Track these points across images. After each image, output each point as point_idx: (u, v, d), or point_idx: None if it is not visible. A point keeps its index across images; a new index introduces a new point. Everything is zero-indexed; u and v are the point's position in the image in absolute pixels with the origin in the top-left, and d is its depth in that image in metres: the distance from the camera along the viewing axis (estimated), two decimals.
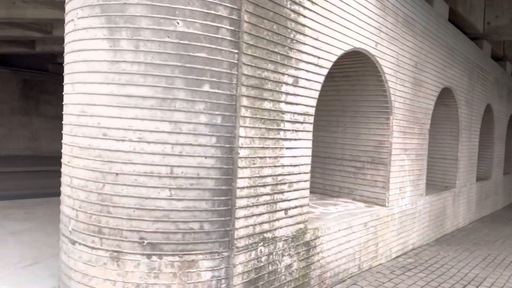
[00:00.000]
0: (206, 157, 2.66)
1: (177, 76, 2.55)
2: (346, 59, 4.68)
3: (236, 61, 2.74)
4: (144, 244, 2.57)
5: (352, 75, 4.94)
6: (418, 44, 5.45)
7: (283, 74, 3.15)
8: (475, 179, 8.39)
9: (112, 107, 2.56)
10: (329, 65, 3.70)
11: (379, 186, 5.06)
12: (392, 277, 4.44)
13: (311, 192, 5.72)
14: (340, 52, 3.84)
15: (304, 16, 3.32)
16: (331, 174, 5.54)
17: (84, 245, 2.69)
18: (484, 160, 9.97)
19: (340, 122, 5.43)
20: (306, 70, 3.41)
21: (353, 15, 3.97)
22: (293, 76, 3.27)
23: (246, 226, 2.92)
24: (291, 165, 3.30)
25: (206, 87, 2.63)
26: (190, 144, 2.60)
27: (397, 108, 5.05)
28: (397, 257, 5.26)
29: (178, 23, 2.55)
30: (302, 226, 3.52)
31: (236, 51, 2.74)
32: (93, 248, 2.65)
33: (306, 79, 3.42)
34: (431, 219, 6.33)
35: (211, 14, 2.62)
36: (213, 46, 2.63)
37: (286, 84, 3.20)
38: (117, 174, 2.57)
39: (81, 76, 2.69)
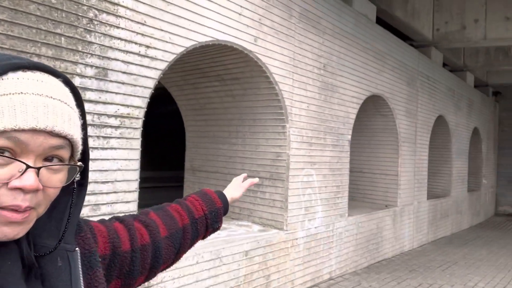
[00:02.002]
0: None
1: None
2: (227, 57, 4.02)
3: None
4: None
5: (241, 77, 4.28)
6: (327, 45, 4.82)
7: (75, 63, 2.46)
8: (425, 197, 7.66)
9: None
10: (170, 57, 3.02)
11: (277, 206, 4.32)
12: None
13: None
14: (189, 43, 3.17)
15: None
16: None
17: None
18: (442, 176, 9.28)
19: (239, 132, 4.73)
20: (124, 61, 2.72)
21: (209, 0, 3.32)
22: (97, 67, 2.57)
23: None
24: (95, 182, 2.56)
25: None
26: None
27: (296, 115, 4.37)
28: None
29: None
30: None
31: None
32: None
33: (125, 73, 2.73)
34: (359, 243, 5.56)
35: None
36: None
37: (82, 76, 2.50)
38: None
39: None
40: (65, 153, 0.58)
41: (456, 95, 9.23)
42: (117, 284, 0.80)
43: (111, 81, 2.65)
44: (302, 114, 4.46)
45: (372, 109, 6.58)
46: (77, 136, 0.60)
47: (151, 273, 0.90)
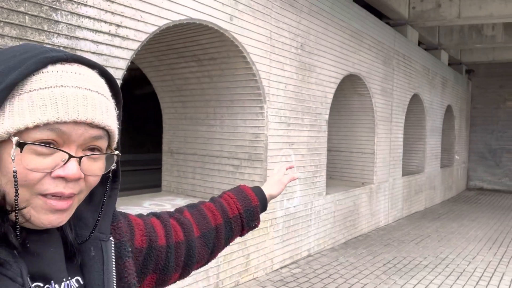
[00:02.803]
0: None
1: None
2: (202, 36, 3.93)
3: None
4: None
5: (217, 57, 4.20)
6: (304, 24, 4.77)
7: (41, 43, 2.31)
8: (400, 174, 7.88)
9: None
10: (142, 37, 2.92)
11: None
12: None
13: (191, 196, 4.94)
14: (162, 22, 3.07)
15: None
16: (210, 174, 4.78)
17: None
18: (416, 153, 9.54)
19: (217, 114, 4.68)
20: (94, 41, 2.61)
21: None
22: (65, 47, 2.46)
23: None
24: None
25: None
26: None
27: (273, 95, 4.35)
28: (281, 267, 4.56)
29: None
30: None
31: None
32: None
33: (94, 53, 2.63)
34: (336, 220, 5.70)
35: None
36: None
37: None
38: None
39: None
40: (103, 143, 0.62)
41: (431, 74, 9.40)
42: (152, 279, 0.83)
43: None
44: (280, 95, 4.44)
45: (349, 88, 6.63)
46: (114, 126, 0.62)
47: (184, 271, 0.91)
